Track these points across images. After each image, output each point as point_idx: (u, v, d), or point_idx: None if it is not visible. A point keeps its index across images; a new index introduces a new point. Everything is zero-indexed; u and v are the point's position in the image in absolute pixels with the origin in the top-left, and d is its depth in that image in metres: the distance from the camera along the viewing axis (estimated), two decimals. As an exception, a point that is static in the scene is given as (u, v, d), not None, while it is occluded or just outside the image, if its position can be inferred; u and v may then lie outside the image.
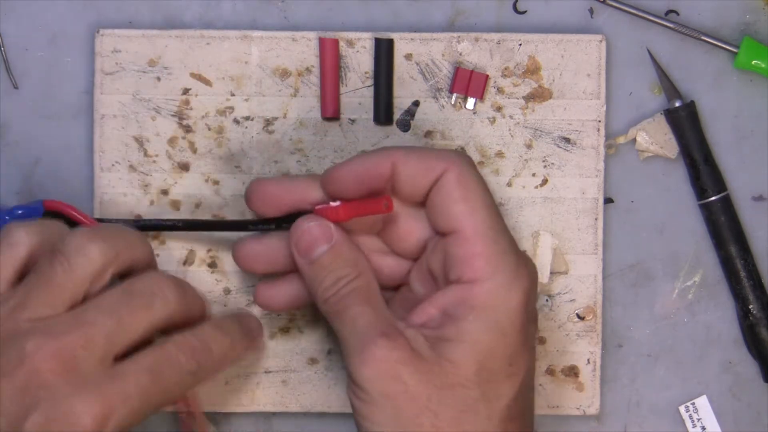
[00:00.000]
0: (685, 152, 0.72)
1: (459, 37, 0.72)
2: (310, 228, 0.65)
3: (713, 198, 0.72)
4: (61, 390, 0.59)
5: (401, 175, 0.63)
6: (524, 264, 0.63)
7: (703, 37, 0.72)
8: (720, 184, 0.72)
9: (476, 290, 0.61)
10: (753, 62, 0.71)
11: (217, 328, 0.65)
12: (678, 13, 0.73)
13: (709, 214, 0.72)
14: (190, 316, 0.65)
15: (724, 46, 0.72)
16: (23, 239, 0.63)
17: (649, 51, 0.72)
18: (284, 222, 0.66)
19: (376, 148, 0.67)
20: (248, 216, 0.72)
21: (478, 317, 0.61)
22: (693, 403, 0.73)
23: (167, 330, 0.63)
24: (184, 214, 0.72)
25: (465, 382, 0.61)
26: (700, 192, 0.72)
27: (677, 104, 0.72)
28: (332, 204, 0.64)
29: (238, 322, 0.67)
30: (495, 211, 0.63)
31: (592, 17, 0.73)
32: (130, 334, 0.61)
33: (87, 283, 0.62)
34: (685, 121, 0.72)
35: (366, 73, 0.72)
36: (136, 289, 0.62)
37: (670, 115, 0.72)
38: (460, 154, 0.64)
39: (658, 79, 0.72)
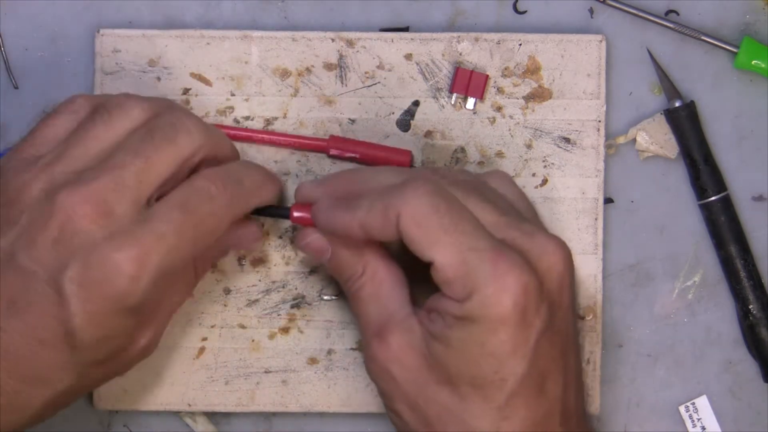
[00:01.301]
0: (685, 152, 0.72)
1: (459, 37, 0.72)
2: (308, 243, 0.67)
3: (713, 198, 0.72)
4: (96, 237, 0.60)
5: (373, 235, 0.63)
6: (512, 264, 0.60)
7: (703, 37, 0.72)
8: (720, 184, 0.72)
9: (459, 307, 0.61)
10: (753, 62, 0.72)
11: (246, 162, 0.67)
12: (678, 13, 0.73)
13: (709, 214, 0.72)
14: (219, 154, 0.65)
15: (724, 46, 0.72)
16: (81, 102, 0.65)
17: (649, 51, 0.72)
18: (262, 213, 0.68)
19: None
20: (249, 217, 0.72)
21: (462, 328, 0.61)
22: (693, 403, 0.73)
23: (197, 169, 0.64)
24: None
25: (453, 381, 0.62)
26: (700, 192, 0.72)
27: (677, 104, 0.72)
28: (296, 214, 0.67)
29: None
30: (460, 226, 0.61)
31: (592, 17, 0.73)
32: (158, 171, 0.62)
33: (124, 136, 0.63)
34: (685, 121, 0.72)
35: (366, 72, 0.72)
36: (158, 126, 0.63)
37: (670, 115, 0.72)
38: (415, 179, 0.63)
39: (658, 79, 0.73)
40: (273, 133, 0.71)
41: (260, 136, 0.71)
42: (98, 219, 0.60)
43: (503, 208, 0.64)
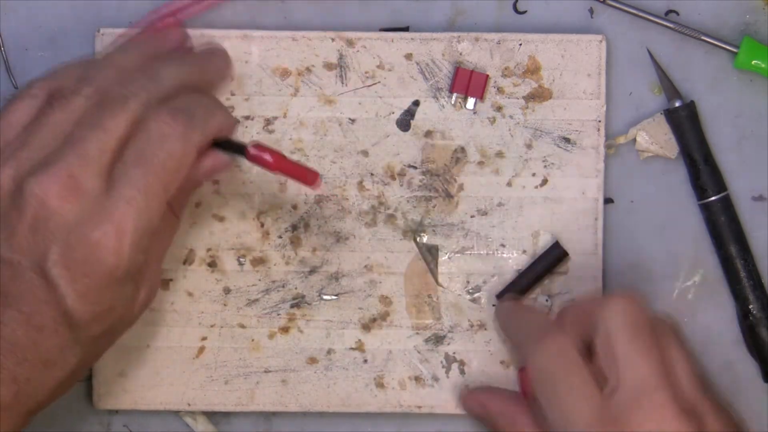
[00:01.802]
0: (685, 152, 0.72)
1: (459, 36, 0.72)
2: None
3: (713, 198, 0.72)
4: (70, 217, 0.60)
5: None
6: None
7: (703, 37, 0.72)
8: (720, 184, 0.72)
9: None
10: (753, 62, 0.72)
11: (194, 93, 0.66)
12: (678, 13, 0.73)
13: (709, 214, 0.72)
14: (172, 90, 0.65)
15: (724, 46, 0.72)
16: (38, 87, 0.64)
17: (649, 51, 0.72)
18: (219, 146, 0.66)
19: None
20: (249, 216, 0.72)
21: None
22: (693, 403, 0.73)
23: None
24: (184, 215, 0.72)
25: None
26: (700, 192, 0.72)
27: (677, 104, 0.72)
28: (266, 156, 0.64)
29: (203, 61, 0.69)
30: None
31: (592, 17, 0.73)
32: (116, 136, 0.62)
33: (80, 114, 0.63)
34: (685, 121, 0.72)
35: (366, 72, 0.72)
36: (109, 96, 0.63)
37: (670, 115, 0.72)
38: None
39: (658, 79, 0.72)
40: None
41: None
42: (68, 196, 0.61)
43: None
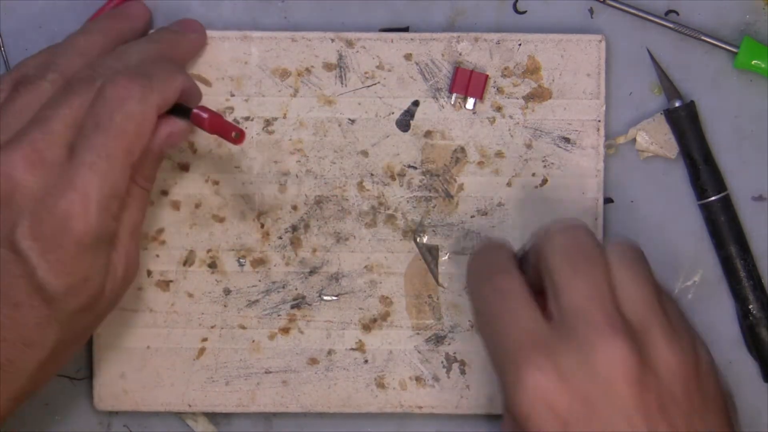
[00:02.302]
0: (685, 152, 0.72)
1: (458, 37, 0.72)
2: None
3: (713, 198, 0.72)
4: (35, 188, 0.61)
5: None
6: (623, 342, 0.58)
7: (703, 37, 0.72)
8: (720, 184, 0.72)
9: None
10: (753, 62, 0.71)
11: (153, 59, 0.66)
12: (678, 13, 0.73)
13: (709, 214, 0.72)
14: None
15: (724, 46, 0.72)
16: (3, 84, 0.65)
17: (649, 51, 0.72)
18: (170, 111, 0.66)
19: None
20: (249, 217, 0.72)
21: None
22: (693, 403, 0.73)
23: None
24: (184, 215, 0.72)
25: None
26: (700, 192, 0.72)
27: (677, 104, 0.72)
28: (202, 114, 0.65)
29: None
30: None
31: (592, 17, 0.73)
32: (80, 112, 0.62)
33: (47, 96, 0.64)
34: (685, 121, 0.72)
35: (366, 73, 0.72)
36: (76, 78, 0.64)
37: (670, 115, 0.72)
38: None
39: (658, 79, 0.72)
40: None
41: None
42: (33, 169, 0.61)
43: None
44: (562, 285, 0.59)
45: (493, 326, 0.60)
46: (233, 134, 0.64)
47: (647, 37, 0.73)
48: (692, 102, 0.72)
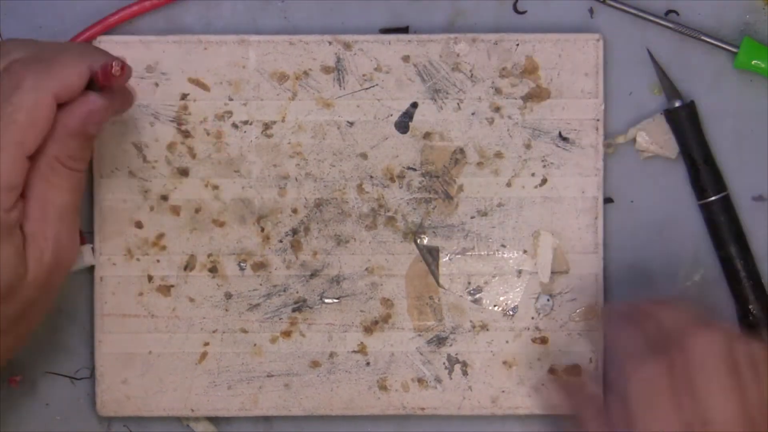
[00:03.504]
0: (685, 152, 0.72)
1: (456, 38, 0.72)
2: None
3: (713, 198, 0.71)
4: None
5: None
6: None
7: (703, 37, 0.71)
8: (720, 184, 0.72)
9: None
10: (753, 62, 0.71)
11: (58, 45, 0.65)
12: (678, 13, 0.72)
13: (709, 214, 0.72)
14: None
15: (724, 46, 0.71)
16: None
17: (648, 51, 0.72)
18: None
19: None
20: (249, 220, 0.72)
21: None
22: (694, 404, 0.73)
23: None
24: (184, 220, 0.72)
25: None
26: (700, 192, 0.72)
27: (677, 104, 0.72)
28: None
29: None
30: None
31: (591, 17, 0.73)
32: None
33: None
34: (685, 121, 0.71)
35: (364, 75, 0.72)
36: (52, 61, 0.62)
37: (670, 115, 0.72)
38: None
39: (658, 79, 0.72)
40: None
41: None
42: None
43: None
44: (718, 398, 0.62)
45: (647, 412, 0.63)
46: (113, 70, 0.62)
47: (647, 37, 0.72)
48: (692, 102, 0.72)
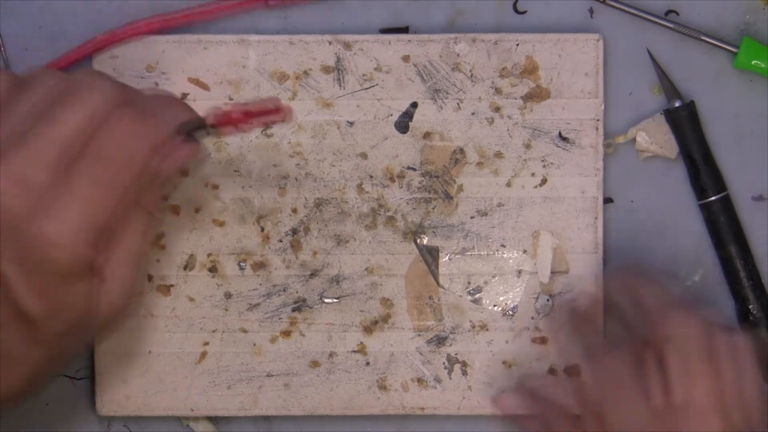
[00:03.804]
0: (685, 152, 0.72)
1: (456, 38, 0.72)
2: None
3: (713, 198, 0.71)
4: (20, 212, 0.59)
5: None
6: None
7: (703, 37, 0.71)
8: (720, 184, 0.72)
9: None
10: (753, 62, 0.71)
11: (148, 92, 0.65)
12: (678, 13, 0.72)
13: (709, 214, 0.72)
14: (134, 101, 0.64)
15: (724, 46, 0.71)
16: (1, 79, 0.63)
17: (648, 51, 0.72)
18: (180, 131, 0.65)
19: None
20: (249, 220, 0.72)
21: None
22: (694, 404, 0.73)
23: None
24: (184, 219, 0.72)
25: None
26: (700, 192, 0.72)
27: (677, 104, 0.71)
28: (233, 115, 0.63)
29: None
30: None
31: (592, 17, 0.73)
32: (68, 130, 0.61)
33: (40, 106, 0.62)
34: (685, 121, 0.71)
35: (364, 75, 0.72)
36: (67, 88, 0.62)
37: (670, 115, 0.72)
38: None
39: (658, 79, 0.72)
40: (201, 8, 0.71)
41: (182, 15, 0.71)
42: (19, 193, 0.60)
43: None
44: (690, 379, 0.63)
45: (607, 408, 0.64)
46: (271, 106, 0.63)
47: (647, 37, 0.72)
48: (692, 102, 0.72)
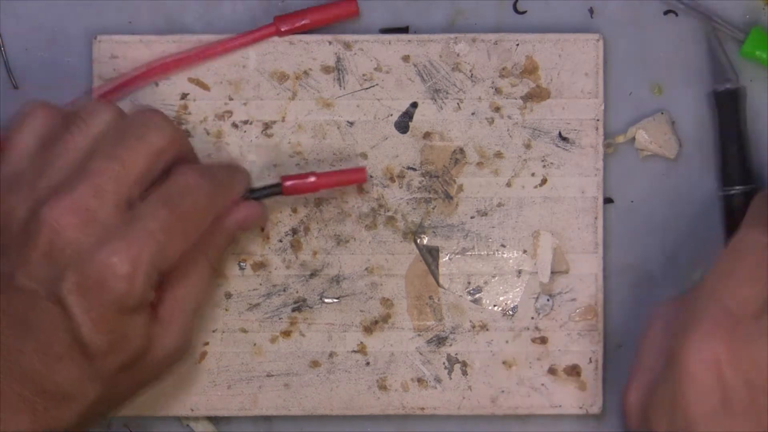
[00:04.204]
0: (722, 138, 0.71)
1: (456, 38, 0.72)
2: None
3: (738, 189, 0.71)
4: (85, 245, 0.60)
5: None
6: None
7: (713, 20, 0.71)
8: (748, 176, 0.71)
9: None
10: (757, 53, 0.71)
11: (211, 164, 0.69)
12: (677, 14, 0.72)
13: (728, 204, 0.71)
14: (188, 150, 0.67)
15: (733, 32, 0.71)
16: (47, 112, 0.65)
17: (714, 31, 0.71)
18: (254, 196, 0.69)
19: None
20: (248, 220, 0.72)
21: None
22: (694, 404, 0.73)
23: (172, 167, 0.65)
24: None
25: None
26: (726, 179, 0.71)
27: (727, 86, 0.71)
28: (287, 184, 0.69)
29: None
30: None
31: (592, 17, 0.73)
32: (134, 170, 0.63)
33: (98, 141, 0.64)
34: (732, 105, 0.71)
35: (364, 75, 0.72)
36: (129, 126, 0.63)
37: (718, 96, 0.71)
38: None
39: (712, 59, 0.72)
40: (216, 44, 0.72)
41: (199, 53, 0.71)
42: (83, 227, 0.61)
43: None
44: None
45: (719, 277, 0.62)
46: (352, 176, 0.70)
47: (647, 37, 0.72)
48: (743, 87, 0.71)
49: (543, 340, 0.72)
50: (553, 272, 0.72)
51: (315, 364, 0.72)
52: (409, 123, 0.72)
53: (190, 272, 0.66)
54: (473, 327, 0.72)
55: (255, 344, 0.72)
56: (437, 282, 0.72)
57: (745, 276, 0.61)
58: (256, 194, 0.69)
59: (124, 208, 0.62)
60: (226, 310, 0.72)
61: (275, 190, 0.69)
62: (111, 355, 0.62)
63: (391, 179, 0.72)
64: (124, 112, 0.65)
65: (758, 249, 0.62)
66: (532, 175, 0.72)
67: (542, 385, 0.72)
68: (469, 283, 0.72)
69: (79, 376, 0.61)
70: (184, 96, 0.72)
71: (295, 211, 0.72)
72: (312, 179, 0.68)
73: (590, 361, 0.72)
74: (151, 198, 0.63)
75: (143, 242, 0.61)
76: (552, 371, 0.72)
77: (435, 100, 0.72)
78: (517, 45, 0.72)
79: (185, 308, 0.66)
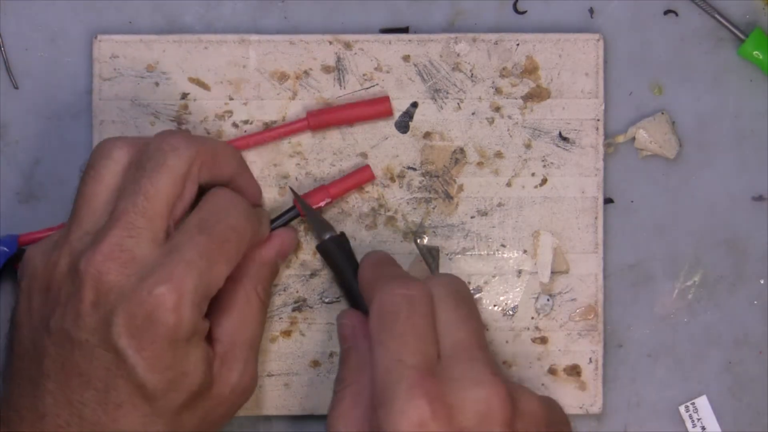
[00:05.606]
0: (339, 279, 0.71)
1: (456, 38, 0.72)
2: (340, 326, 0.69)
3: None
4: (127, 285, 0.61)
5: None
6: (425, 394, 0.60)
7: (717, 16, 0.71)
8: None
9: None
10: (754, 53, 0.71)
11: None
12: (677, 14, 0.73)
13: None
14: (218, 159, 0.66)
15: (734, 30, 0.71)
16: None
17: (293, 193, 0.71)
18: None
19: None
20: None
21: None
22: (693, 403, 0.73)
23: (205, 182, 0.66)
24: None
25: None
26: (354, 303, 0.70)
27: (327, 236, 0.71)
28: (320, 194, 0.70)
29: None
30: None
31: (592, 17, 0.73)
32: (162, 199, 0.63)
33: (120, 180, 0.64)
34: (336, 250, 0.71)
35: (364, 75, 0.72)
36: (145, 157, 0.64)
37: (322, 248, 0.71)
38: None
39: (308, 221, 0.71)
40: (252, 134, 0.71)
41: (238, 142, 0.71)
42: (123, 269, 0.61)
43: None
44: (451, 325, 0.62)
45: (393, 335, 0.61)
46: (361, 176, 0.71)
47: (647, 37, 0.73)
48: (343, 233, 0.71)
49: (543, 340, 0.72)
50: (553, 272, 0.72)
51: (315, 363, 0.72)
52: (410, 123, 0.72)
53: (241, 307, 0.66)
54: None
55: (255, 344, 0.72)
56: (437, 282, 0.72)
57: (410, 331, 0.61)
58: (277, 222, 0.70)
59: (162, 240, 0.62)
60: (227, 309, 0.72)
61: (293, 214, 0.70)
62: (171, 393, 0.62)
63: (392, 179, 0.72)
64: (137, 142, 0.65)
65: (402, 304, 0.62)
66: (533, 175, 0.72)
67: (542, 385, 0.72)
68: (469, 282, 0.72)
69: (141, 420, 0.61)
70: (184, 96, 0.72)
71: (295, 210, 0.72)
72: (327, 200, 0.70)
73: (590, 361, 0.72)
74: (187, 225, 0.63)
75: (184, 271, 0.61)
76: (552, 371, 0.72)
77: (435, 100, 0.72)
78: (518, 45, 0.72)
79: (242, 343, 0.66)
